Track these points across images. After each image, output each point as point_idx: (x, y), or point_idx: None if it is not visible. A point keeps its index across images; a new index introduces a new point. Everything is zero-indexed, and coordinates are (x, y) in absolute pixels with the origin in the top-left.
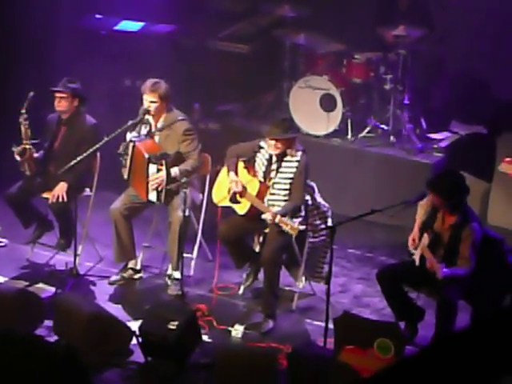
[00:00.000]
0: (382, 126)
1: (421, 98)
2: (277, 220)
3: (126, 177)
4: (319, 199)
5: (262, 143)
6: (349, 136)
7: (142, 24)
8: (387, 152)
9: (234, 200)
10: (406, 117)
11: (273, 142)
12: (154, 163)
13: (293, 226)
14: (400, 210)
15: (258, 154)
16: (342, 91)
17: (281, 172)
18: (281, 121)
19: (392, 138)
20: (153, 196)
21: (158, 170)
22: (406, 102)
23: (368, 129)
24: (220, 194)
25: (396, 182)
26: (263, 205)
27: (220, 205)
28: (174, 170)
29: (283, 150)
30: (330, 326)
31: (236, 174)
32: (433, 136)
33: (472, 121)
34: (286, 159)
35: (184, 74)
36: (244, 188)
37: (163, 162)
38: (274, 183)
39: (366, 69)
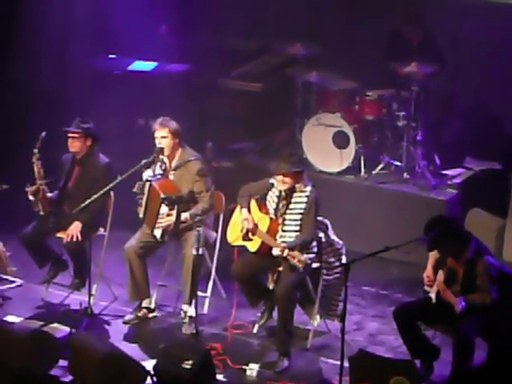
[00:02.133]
0: (396, 162)
1: (434, 135)
2: (285, 253)
3: (141, 215)
4: (333, 236)
5: (273, 180)
6: (362, 173)
7: (155, 64)
8: (401, 189)
9: (246, 238)
10: (419, 153)
11: (280, 177)
12: (167, 205)
13: (300, 258)
14: (414, 247)
15: (270, 192)
16: (354, 128)
17: (290, 208)
18: (288, 156)
19: (405, 174)
20: (158, 233)
21: (169, 215)
22: (420, 138)
23: (381, 166)
24: (234, 234)
25: (410, 218)
26: (273, 240)
27: (234, 244)
28: (185, 215)
29: (291, 185)
30: (346, 364)
31: (249, 211)
32: (446, 172)
33: (486, 156)
34: (295, 195)
35: (197, 113)
36: (255, 225)
37: (175, 207)
38: (284, 219)
39: (378, 106)
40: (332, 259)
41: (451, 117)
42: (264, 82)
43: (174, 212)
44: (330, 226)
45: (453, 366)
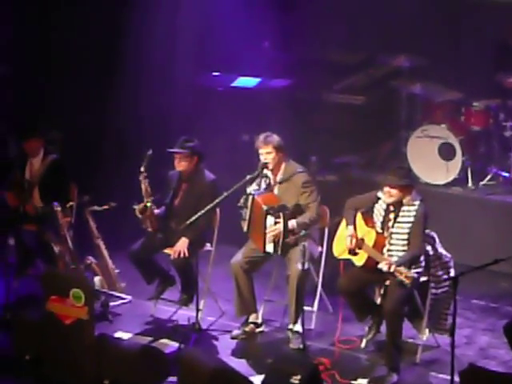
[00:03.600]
0: (504, 173)
1: None
2: (392, 269)
3: (245, 229)
4: (440, 249)
5: (380, 194)
6: (469, 184)
7: (258, 80)
8: (509, 200)
9: (352, 252)
10: None
11: (388, 189)
12: (272, 215)
13: (407, 274)
14: None
15: (376, 205)
16: (460, 140)
17: (398, 222)
18: (396, 168)
19: None
20: (270, 247)
21: (276, 223)
22: None
23: (489, 177)
24: (340, 247)
25: None
26: (380, 255)
27: (340, 258)
28: (292, 223)
29: (398, 198)
30: (456, 379)
31: (354, 226)
32: None
33: None
34: (403, 209)
35: (301, 127)
36: (361, 239)
37: (281, 214)
38: (391, 233)
39: (484, 116)
40: (440, 272)
41: None
42: (368, 94)
43: (281, 220)
44: (437, 239)
45: None
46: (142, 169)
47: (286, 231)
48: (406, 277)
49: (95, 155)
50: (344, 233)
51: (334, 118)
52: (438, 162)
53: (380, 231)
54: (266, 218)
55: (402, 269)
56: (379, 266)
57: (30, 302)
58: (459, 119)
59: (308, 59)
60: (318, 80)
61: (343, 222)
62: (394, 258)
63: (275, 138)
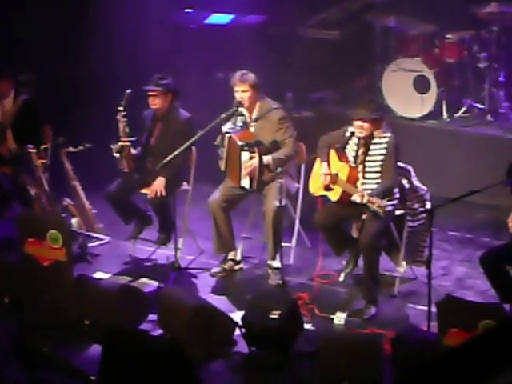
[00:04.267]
0: (478, 105)
1: None
2: (364, 200)
3: (223, 168)
4: (416, 182)
5: (351, 128)
6: (444, 117)
7: (231, 16)
8: (484, 131)
9: (327, 188)
10: (502, 95)
11: (359, 123)
12: (247, 150)
13: (380, 204)
14: (500, 190)
15: (350, 141)
16: (435, 72)
17: (370, 155)
18: (367, 102)
19: (489, 116)
20: (245, 182)
21: (251, 158)
22: (502, 79)
23: (464, 109)
24: (316, 184)
25: (494, 161)
26: (353, 188)
27: (316, 194)
28: (267, 158)
29: (370, 131)
30: (433, 309)
31: (328, 163)
32: None
33: None
34: (374, 141)
35: (275, 64)
36: (335, 175)
37: (256, 149)
38: (364, 166)
39: (459, 48)
40: (416, 205)
41: None
42: (342, 29)
43: (256, 155)
44: (413, 173)
45: None
46: (121, 108)
47: (262, 166)
48: (378, 206)
49: (70, 96)
50: (319, 170)
51: (308, 54)
52: (413, 96)
53: (353, 165)
54: (240, 153)
55: (374, 199)
56: (352, 198)
57: (7, 245)
58: (433, 51)
59: None
60: (291, 15)
61: (318, 160)
62: (369, 191)
63: (251, 76)
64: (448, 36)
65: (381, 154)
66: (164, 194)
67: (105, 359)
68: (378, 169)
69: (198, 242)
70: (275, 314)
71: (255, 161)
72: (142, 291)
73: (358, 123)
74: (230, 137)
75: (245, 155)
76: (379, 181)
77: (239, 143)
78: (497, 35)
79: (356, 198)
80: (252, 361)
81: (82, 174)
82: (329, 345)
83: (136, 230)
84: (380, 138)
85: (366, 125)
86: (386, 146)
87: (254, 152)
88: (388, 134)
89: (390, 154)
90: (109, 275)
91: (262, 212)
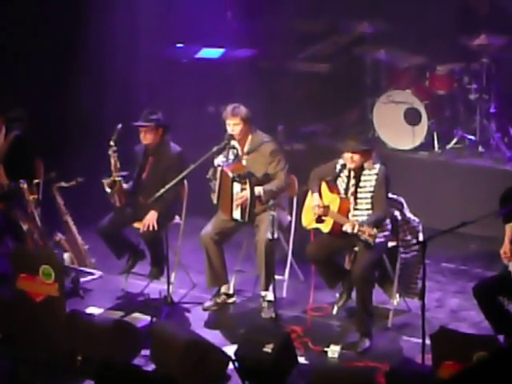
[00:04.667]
0: (470, 136)
1: (507, 106)
2: (355, 230)
3: (215, 201)
4: (409, 214)
5: (341, 161)
6: (436, 149)
7: (222, 50)
8: (476, 163)
9: (319, 220)
10: (493, 126)
11: (349, 155)
12: (238, 182)
13: (370, 232)
14: (492, 221)
15: (341, 173)
16: (426, 104)
17: (361, 186)
18: (356, 134)
19: (480, 148)
20: (237, 214)
21: (242, 190)
22: (493, 110)
23: (455, 140)
24: (308, 218)
25: (486, 192)
26: (344, 218)
27: (309, 228)
28: (258, 189)
29: (360, 163)
30: (428, 342)
31: (320, 195)
32: None
33: None
34: (364, 173)
35: (267, 97)
36: (327, 206)
37: (247, 180)
38: (355, 198)
39: (449, 80)
40: (409, 237)
41: None
42: (332, 62)
43: (247, 186)
44: (405, 204)
45: None
46: (112, 143)
47: (253, 197)
48: (369, 235)
49: (61, 131)
50: (311, 203)
51: (299, 87)
52: (404, 128)
53: (344, 197)
54: (232, 185)
55: (364, 228)
56: (344, 228)
57: (0, 281)
58: (424, 84)
59: (271, 28)
60: (282, 49)
61: (310, 193)
62: (359, 221)
63: (243, 109)
64: (438, 68)
65: (371, 186)
66: (156, 227)
67: None
68: (369, 200)
69: (191, 276)
70: (269, 348)
71: (246, 192)
72: (134, 326)
73: (347, 155)
74: (222, 169)
75: (236, 187)
76: (370, 212)
77: (231, 175)
78: (487, 67)
79: (347, 227)
80: None
81: (73, 209)
82: (323, 378)
83: (128, 265)
84: (370, 169)
85: (355, 156)
86: (376, 177)
87: (245, 183)
88: (378, 166)
89: (381, 185)
90: (101, 310)
91: (254, 243)
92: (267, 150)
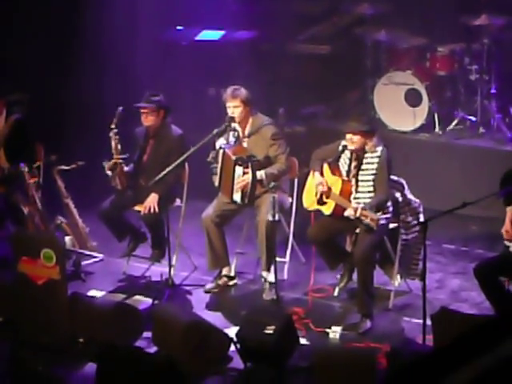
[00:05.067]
0: (470, 117)
1: (508, 87)
2: (358, 213)
3: (216, 184)
4: (409, 195)
5: (343, 142)
6: (436, 130)
7: (222, 32)
8: (477, 143)
9: (320, 202)
10: (494, 106)
11: (350, 136)
12: (240, 165)
13: (373, 217)
14: (493, 202)
15: (342, 155)
16: (426, 85)
17: (362, 169)
18: (357, 115)
19: (481, 128)
20: (237, 196)
21: (244, 173)
22: (493, 91)
23: (456, 121)
24: (309, 199)
25: (487, 172)
26: (346, 201)
27: (310, 209)
28: (260, 173)
29: (361, 144)
30: (428, 322)
31: (321, 175)
32: None
33: None
34: (366, 155)
35: (267, 79)
36: (329, 188)
37: (249, 164)
38: (357, 180)
39: (450, 61)
40: (410, 218)
41: None
42: (333, 43)
43: (249, 170)
44: (406, 186)
45: None
46: (113, 125)
47: (255, 181)
48: (371, 219)
49: (61, 115)
50: (312, 184)
51: (299, 69)
52: (404, 109)
53: (346, 179)
54: (234, 168)
55: (367, 212)
56: (346, 213)
57: (1, 264)
58: (425, 65)
59: (272, 10)
60: (282, 31)
61: (311, 174)
62: (362, 205)
63: (243, 91)
64: (439, 49)
65: (373, 168)
66: (157, 210)
67: (99, 377)
68: (371, 182)
69: (192, 259)
70: (270, 330)
71: (248, 176)
72: (136, 308)
73: (348, 136)
74: (224, 151)
75: (238, 170)
76: (372, 194)
77: (233, 158)
78: (488, 47)
79: (349, 212)
80: (247, 376)
81: (74, 192)
82: (324, 359)
83: (130, 247)
84: (372, 151)
85: (356, 137)
86: (378, 159)
87: (247, 167)
88: (380, 148)
89: (383, 167)
90: (103, 293)
91: (254, 224)
92: (268, 132)
